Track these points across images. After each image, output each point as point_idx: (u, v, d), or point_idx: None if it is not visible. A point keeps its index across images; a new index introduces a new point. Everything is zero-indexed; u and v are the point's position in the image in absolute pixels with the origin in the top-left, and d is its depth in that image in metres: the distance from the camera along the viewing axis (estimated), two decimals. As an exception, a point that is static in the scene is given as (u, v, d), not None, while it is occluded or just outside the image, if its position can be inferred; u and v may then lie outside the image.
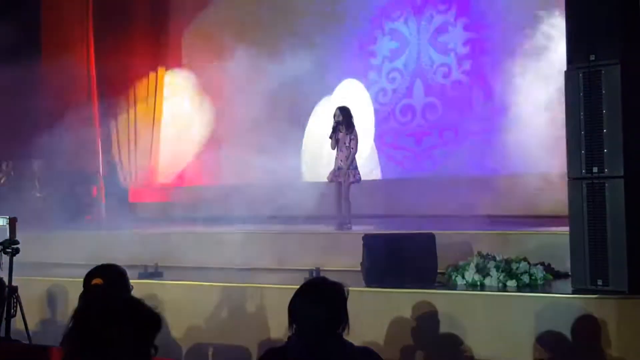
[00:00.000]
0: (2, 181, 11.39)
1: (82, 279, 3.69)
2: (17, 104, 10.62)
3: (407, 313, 5.62)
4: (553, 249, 6.25)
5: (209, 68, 13.21)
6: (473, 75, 11.72)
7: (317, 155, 12.11)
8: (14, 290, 5.30)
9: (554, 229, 6.69)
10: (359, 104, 11.61)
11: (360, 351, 3.04)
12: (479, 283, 5.88)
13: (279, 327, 5.69)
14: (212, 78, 13.19)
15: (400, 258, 6.00)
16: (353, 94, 12.20)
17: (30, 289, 6.49)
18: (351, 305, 3.06)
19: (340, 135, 8.25)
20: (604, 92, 5.24)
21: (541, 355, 5.16)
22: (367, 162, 11.37)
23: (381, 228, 7.83)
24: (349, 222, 8.13)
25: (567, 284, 5.64)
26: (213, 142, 13.30)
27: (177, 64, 13.76)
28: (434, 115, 11.95)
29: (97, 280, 3.62)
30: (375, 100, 12.40)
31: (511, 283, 5.81)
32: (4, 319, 5.09)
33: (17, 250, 5.28)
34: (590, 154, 5.31)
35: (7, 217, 5.38)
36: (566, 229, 5.57)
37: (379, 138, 12.25)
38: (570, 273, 5.57)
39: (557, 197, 8.01)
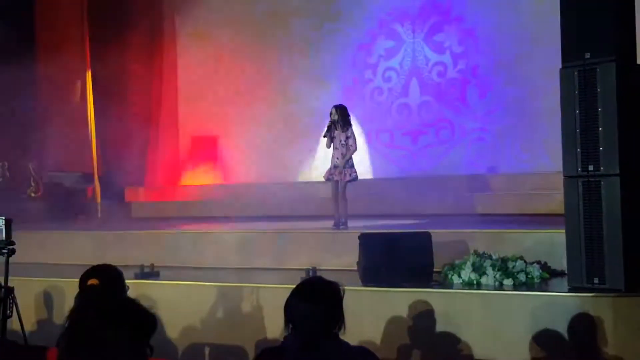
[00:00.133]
0: (-3, 182, 11.36)
1: (77, 280, 3.69)
2: (12, 104, 10.58)
3: (404, 312, 5.62)
4: (549, 248, 6.25)
5: (204, 67, 13.23)
6: (468, 74, 11.73)
7: (313, 154, 12.12)
8: (10, 291, 5.29)
9: (550, 227, 6.69)
10: (355, 102, 11.60)
11: (356, 350, 3.04)
12: (475, 282, 5.88)
13: (275, 327, 5.68)
14: (208, 77, 13.20)
15: (397, 257, 5.99)
16: (349, 92, 12.20)
17: (27, 290, 6.49)
18: (347, 305, 3.06)
19: (336, 133, 8.23)
20: (599, 90, 5.23)
21: (537, 354, 5.16)
22: (363, 160, 11.37)
23: (377, 227, 7.81)
24: (345, 221, 8.12)
25: (563, 283, 5.64)
26: (208, 141, 13.31)
27: (173, 64, 13.74)
28: (429, 114, 11.96)
29: (92, 281, 3.61)
30: (371, 99, 12.41)
31: (507, 282, 5.80)
32: (0, 320, 5.09)
33: (13, 251, 5.26)
34: (585, 152, 5.30)
35: (3, 217, 5.36)
36: (562, 227, 5.57)
37: (375, 137, 12.26)
38: (566, 271, 5.56)
39: (553, 196, 8.06)
